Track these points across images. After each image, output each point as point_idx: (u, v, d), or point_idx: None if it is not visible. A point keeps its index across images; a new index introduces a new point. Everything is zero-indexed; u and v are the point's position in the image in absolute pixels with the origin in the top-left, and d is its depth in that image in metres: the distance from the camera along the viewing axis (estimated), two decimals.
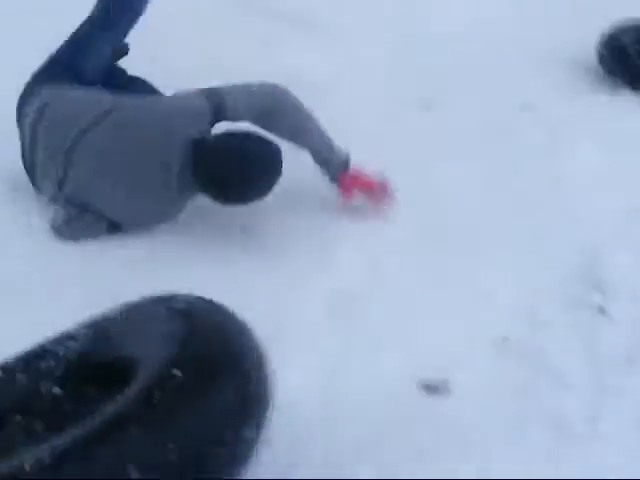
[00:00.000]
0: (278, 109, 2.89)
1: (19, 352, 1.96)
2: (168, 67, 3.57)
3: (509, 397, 2.31)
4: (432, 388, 2.32)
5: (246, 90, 2.91)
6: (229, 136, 2.80)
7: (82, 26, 3.11)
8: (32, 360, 1.92)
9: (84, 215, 2.84)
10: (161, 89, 3.18)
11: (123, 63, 3.27)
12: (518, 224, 3.00)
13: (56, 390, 1.86)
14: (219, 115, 2.84)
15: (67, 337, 1.94)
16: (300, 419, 2.08)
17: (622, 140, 3.45)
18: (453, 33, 4.21)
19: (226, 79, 3.02)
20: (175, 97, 2.95)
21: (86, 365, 1.90)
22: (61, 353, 1.91)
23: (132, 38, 3.25)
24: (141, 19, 3.19)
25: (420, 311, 2.58)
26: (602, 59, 4.02)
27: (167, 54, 3.79)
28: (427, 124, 3.54)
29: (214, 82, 3.01)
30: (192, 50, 3.90)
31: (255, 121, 2.86)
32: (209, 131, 2.84)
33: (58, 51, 3.06)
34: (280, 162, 2.77)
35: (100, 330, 1.94)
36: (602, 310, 2.60)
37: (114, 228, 2.83)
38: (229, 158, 2.72)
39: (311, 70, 3.90)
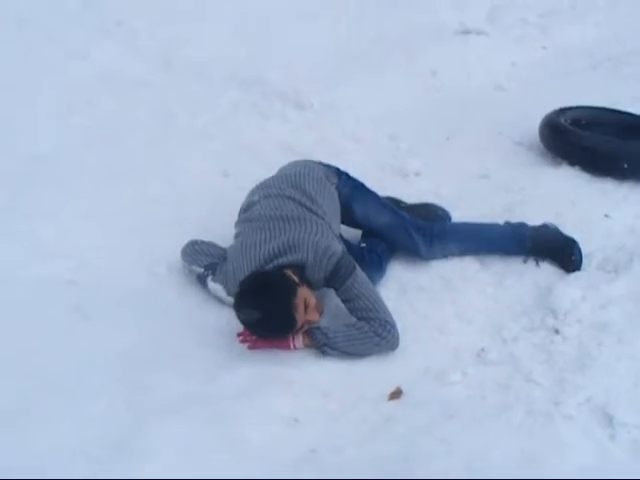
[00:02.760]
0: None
1: None
2: None
3: (494, 390, 3.06)
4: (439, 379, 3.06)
5: (362, 306, 3.27)
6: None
7: None
8: None
9: None
10: None
11: None
12: (486, 268, 3.76)
13: None
14: (330, 281, 3.29)
15: None
16: None
17: (563, 202, 4.22)
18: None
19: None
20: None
21: None
22: None
23: None
24: None
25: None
26: (543, 137, 4.82)
27: None
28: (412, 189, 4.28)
29: None
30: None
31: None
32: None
33: None
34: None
35: None
36: (556, 330, 3.35)
37: None
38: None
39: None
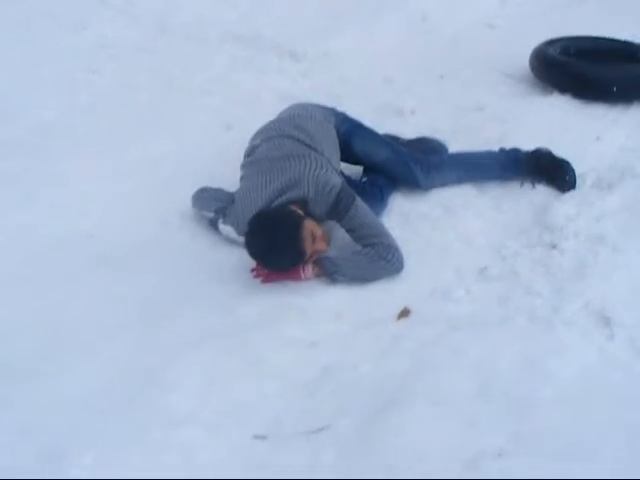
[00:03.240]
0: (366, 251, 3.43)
1: None
2: None
3: (496, 303, 3.22)
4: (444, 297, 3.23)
5: (366, 234, 3.45)
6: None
7: None
8: None
9: None
10: None
11: None
12: (484, 194, 3.92)
13: None
14: (332, 212, 3.46)
15: None
16: None
17: (556, 128, 4.37)
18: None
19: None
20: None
21: None
22: None
23: None
24: None
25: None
26: (533, 68, 4.96)
27: None
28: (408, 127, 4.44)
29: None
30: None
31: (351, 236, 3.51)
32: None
33: None
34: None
35: None
36: (554, 245, 3.51)
37: None
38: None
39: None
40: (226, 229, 3.63)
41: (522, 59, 5.05)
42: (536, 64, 4.92)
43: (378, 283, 3.40)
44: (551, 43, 4.94)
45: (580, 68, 4.68)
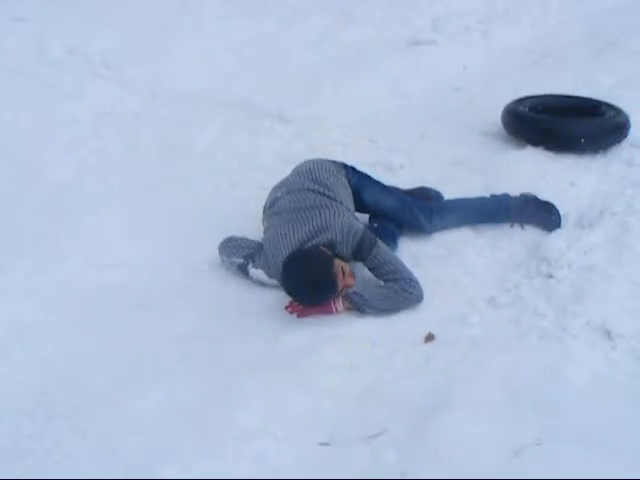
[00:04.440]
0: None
1: None
2: None
3: (509, 325, 3.67)
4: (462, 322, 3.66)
5: (389, 273, 3.88)
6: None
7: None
8: None
9: None
10: None
11: None
12: (480, 235, 4.38)
13: None
14: (357, 253, 3.88)
15: None
16: None
17: (533, 177, 4.88)
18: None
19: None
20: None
21: None
22: None
23: None
24: None
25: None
26: (506, 125, 5.48)
27: None
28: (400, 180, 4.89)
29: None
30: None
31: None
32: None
33: None
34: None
35: None
36: (550, 275, 3.97)
37: None
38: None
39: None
40: (257, 272, 4.01)
41: (492, 117, 5.54)
42: (508, 121, 5.39)
43: (402, 313, 3.80)
44: (520, 101, 5.45)
45: (551, 123, 5.18)
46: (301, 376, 3.40)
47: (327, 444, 3.07)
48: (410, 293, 3.78)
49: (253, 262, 4.03)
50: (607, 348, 3.44)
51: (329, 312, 3.79)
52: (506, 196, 4.43)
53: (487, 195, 4.51)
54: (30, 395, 3.40)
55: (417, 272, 3.97)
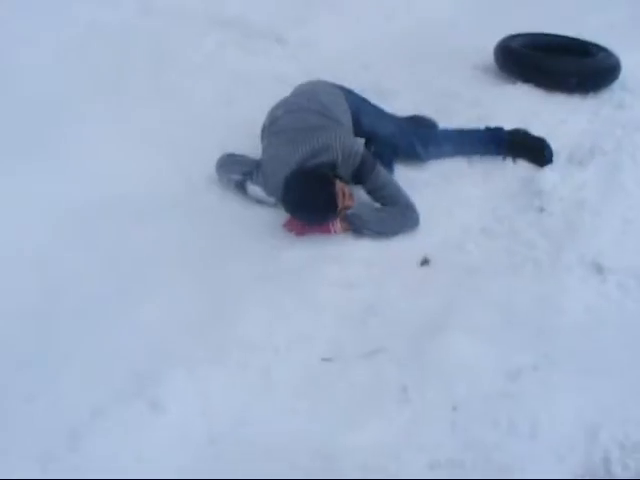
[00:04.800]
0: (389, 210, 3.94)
1: None
2: None
3: (503, 254, 3.77)
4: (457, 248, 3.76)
5: (387, 197, 3.96)
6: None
7: None
8: None
9: None
10: None
11: None
12: (474, 166, 4.46)
13: None
14: (357, 174, 3.92)
15: None
16: None
17: (524, 113, 4.94)
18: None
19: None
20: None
21: None
22: None
23: None
24: None
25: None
26: (498, 60, 5.53)
27: None
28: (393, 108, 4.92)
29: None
30: None
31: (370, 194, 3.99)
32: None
33: None
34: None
35: None
36: (542, 209, 4.06)
37: None
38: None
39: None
40: (255, 189, 4.05)
41: (484, 51, 5.57)
42: (501, 56, 5.43)
43: (397, 237, 3.89)
44: (512, 38, 5.49)
45: (545, 61, 5.23)
46: (301, 293, 3.48)
47: (329, 359, 3.14)
48: (408, 218, 3.87)
49: (251, 179, 4.06)
50: (598, 282, 3.54)
51: (327, 232, 3.85)
52: (500, 129, 4.50)
53: (482, 127, 4.53)
54: (31, 302, 3.43)
55: (413, 198, 4.02)
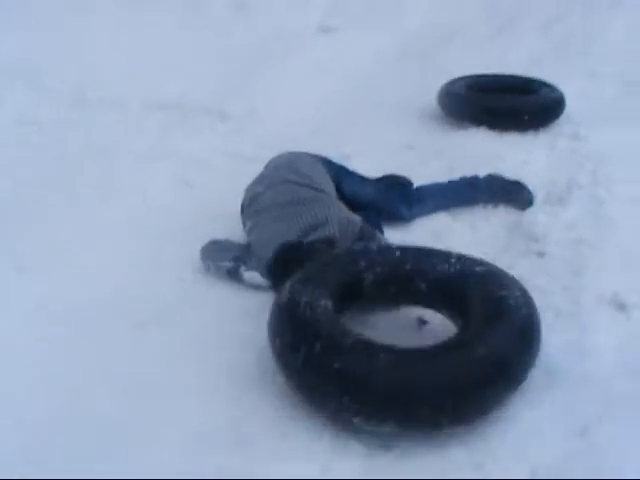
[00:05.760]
0: None
1: None
2: None
3: None
4: None
5: None
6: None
7: None
8: None
9: None
10: None
11: None
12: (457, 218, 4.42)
13: None
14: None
15: None
16: None
17: (487, 157, 4.95)
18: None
19: None
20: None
21: None
22: None
23: None
24: None
25: None
26: (444, 106, 5.56)
27: None
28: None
29: None
30: None
31: None
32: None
33: None
34: None
35: None
36: (541, 253, 4.03)
37: None
38: None
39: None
40: (252, 276, 3.89)
41: (422, 100, 5.60)
42: (448, 102, 5.49)
43: None
44: (454, 82, 5.55)
45: (493, 102, 5.29)
46: None
47: None
48: None
49: (245, 265, 3.90)
50: (624, 319, 3.49)
51: None
52: (476, 177, 4.48)
53: (457, 178, 4.51)
54: None
55: None
